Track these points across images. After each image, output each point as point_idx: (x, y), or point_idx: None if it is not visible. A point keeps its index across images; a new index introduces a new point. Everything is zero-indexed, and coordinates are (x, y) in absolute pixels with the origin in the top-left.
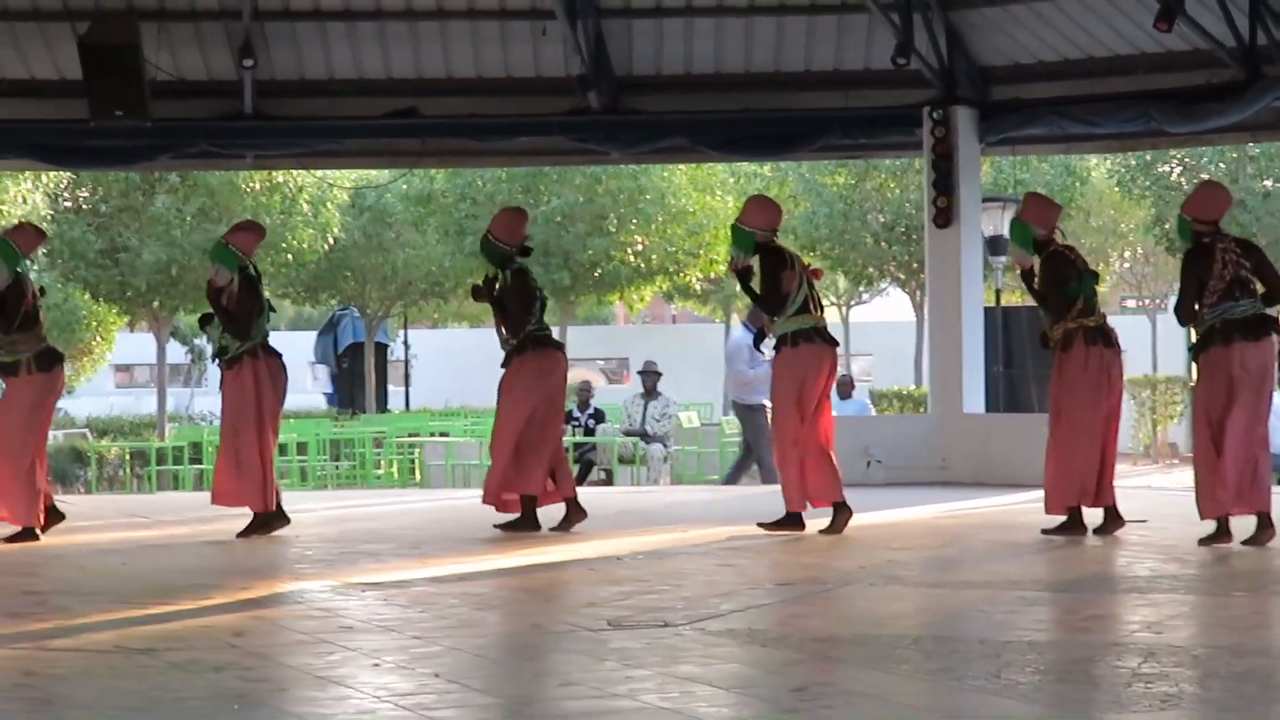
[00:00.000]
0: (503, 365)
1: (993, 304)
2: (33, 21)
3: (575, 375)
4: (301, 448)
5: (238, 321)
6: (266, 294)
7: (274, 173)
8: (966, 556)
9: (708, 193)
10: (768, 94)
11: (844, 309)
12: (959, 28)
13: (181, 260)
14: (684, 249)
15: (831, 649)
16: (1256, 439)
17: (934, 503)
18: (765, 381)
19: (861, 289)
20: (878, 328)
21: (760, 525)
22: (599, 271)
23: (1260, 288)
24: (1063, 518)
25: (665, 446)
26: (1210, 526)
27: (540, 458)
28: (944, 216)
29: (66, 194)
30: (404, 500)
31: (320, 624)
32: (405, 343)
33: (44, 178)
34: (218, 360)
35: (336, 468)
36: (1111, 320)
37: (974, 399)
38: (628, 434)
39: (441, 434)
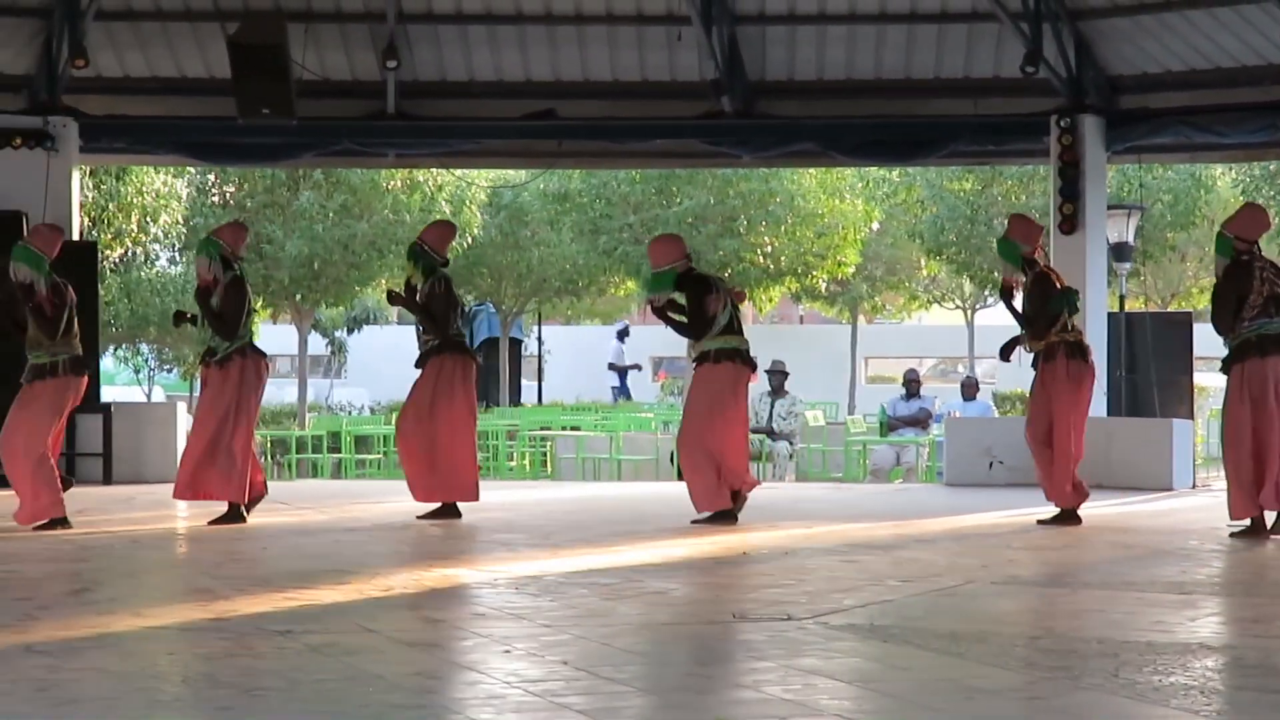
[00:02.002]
0: (418, 365)
1: (1116, 310)
2: (184, 21)
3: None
4: None
5: (226, 322)
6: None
7: (414, 171)
8: (1085, 557)
9: (836, 196)
10: (898, 100)
11: (969, 312)
12: (1087, 37)
13: (323, 255)
14: (812, 251)
15: (952, 645)
16: None
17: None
18: None
19: (986, 293)
20: (1002, 331)
21: (693, 521)
22: (729, 272)
23: None
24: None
25: (791, 444)
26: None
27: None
28: (1069, 223)
29: (214, 189)
30: (536, 491)
31: (453, 610)
32: (539, 338)
33: (193, 171)
34: (206, 360)
35: None
36: None
37: (1096, 403)
38: (754, 431)
39: (573, 428)
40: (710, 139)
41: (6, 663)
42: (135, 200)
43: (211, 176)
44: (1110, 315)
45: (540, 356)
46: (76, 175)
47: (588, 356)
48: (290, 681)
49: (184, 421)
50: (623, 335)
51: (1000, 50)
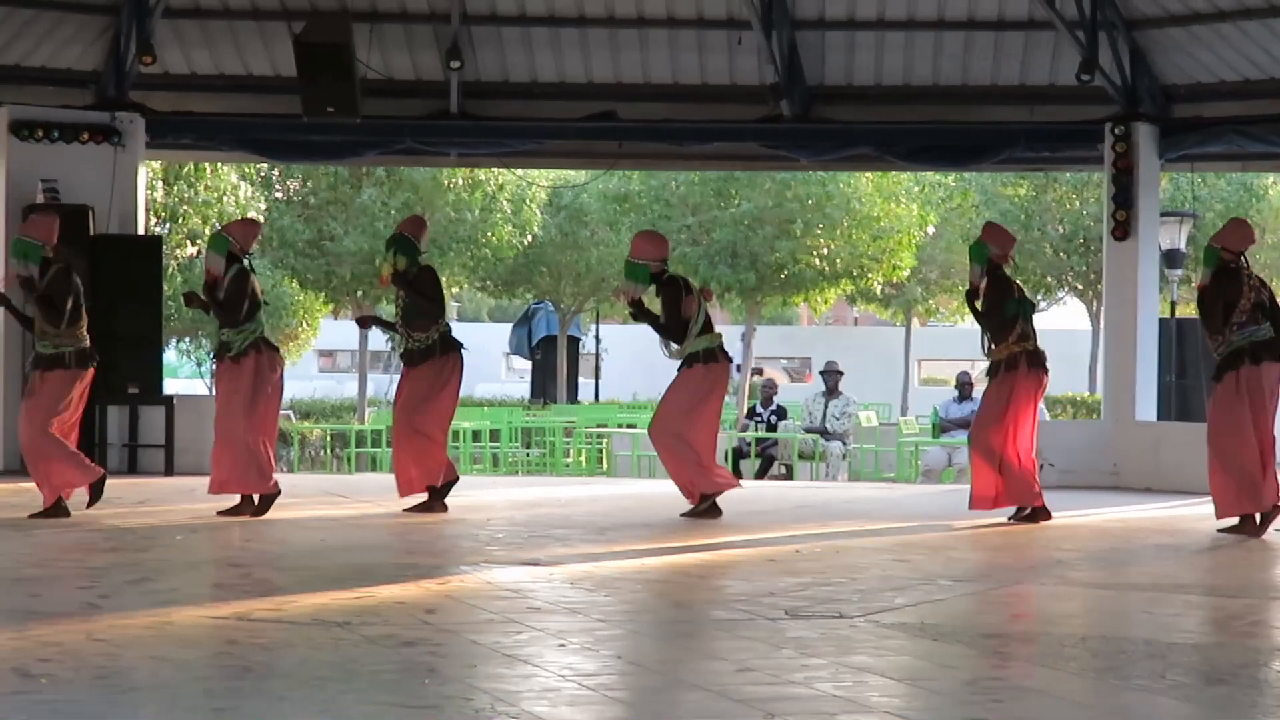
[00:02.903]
0: (415, 362)
1: (1167, 315)
2: (250, 20)
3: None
4: (494, 434)
5: (227, 310)
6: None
7: (476, 170)
8: (1134, 559)
9: (892, 200)
10: (954, 106)
11: None
12: (1142, 46)
13: (384, 251)
14: (868, 254)
15: (1001, 645)
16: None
17: (1104, 507)
18: None
19: (1040, 297)
20: (1054, 335)
21: (683, 514)
22: (785, 273)
23: None
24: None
25: (844, 444)
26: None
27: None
28: (1122, 230)
29: (278, 185)
30: (591, 488)
31: (509, 604)
32: (596, 337)
33: (258, 168)
34: (220, 355)
35: (527, 455)
36: None
37: (1146, 407)
38: (808, 431)
39: (629, 425)
40: (769, 142)
41: (69, 650)
42: (206, 202)
43: (276, 173)
44: (1161, 321)
45: (598, 355)
46: (143, 170)
47: (644, 355)
48: (347, 673)
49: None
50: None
51: (1056, 58)
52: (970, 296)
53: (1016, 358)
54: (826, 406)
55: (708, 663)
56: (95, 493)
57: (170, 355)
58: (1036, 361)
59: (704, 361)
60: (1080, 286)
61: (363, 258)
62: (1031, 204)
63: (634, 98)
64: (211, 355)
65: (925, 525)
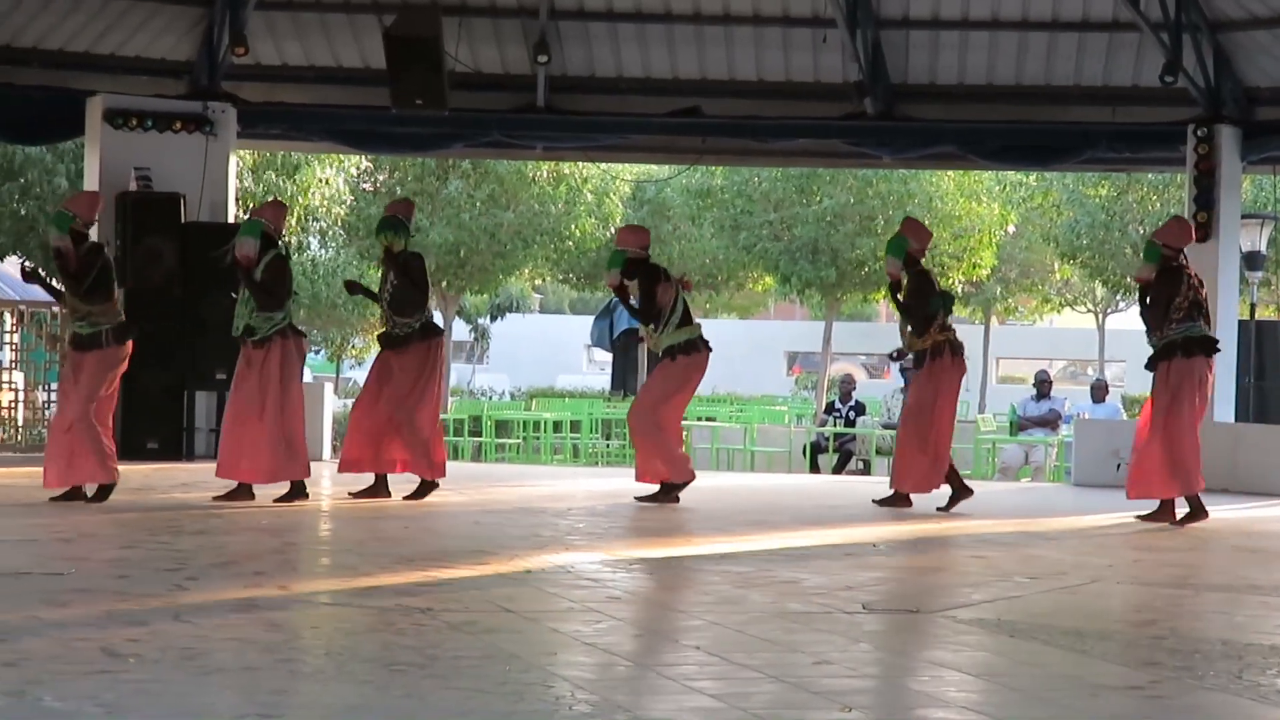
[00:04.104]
0: (395, 347)
1: (1247, 318)
2: (341, 13)
3: (838, 369)
4: (575, 425)
5: (272, 294)
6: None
7: (561, 164)
8: (1211, 560)
9: (974, 199)
10: (1037, 106)
11: (1100, 316)
12: (1226, 49)
13: (469, 243)
14: (948, 252)
15: (1077, 642)
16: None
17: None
18: None
19: (1118, 298)
20: (1132, 335)
21: (638, 498)
22: (865, 270)
23: None
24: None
25: None
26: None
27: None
28: (1203, 231)
29: (366, 176)
30: None
31: (589, 593)
32: None
33: (346, 160)
34: (245, 338)
35: (607, 446)
36: None
37: (1225, 408)
38: (886, 427)
39: (708, 418)
40: (852, 140)
41: (156, 631)
42: (300, 197)
43: (365, 165)
44: (1241, 323)
45: None
46: (234, 159)
47: (723, 349)
48: (429, 658)
49: (330, 401)
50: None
51: (1140, 59)
52: (893, 289)
53: (941, 346)
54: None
55: (785, 654)
56: (102, 494)
57: None
58: (958, 351)
59: (685, 353)
60: None
61: (447, 248)
62: (1113, 204)
63: (719, 94)
64: (239, 338)
65: (1002, 522)
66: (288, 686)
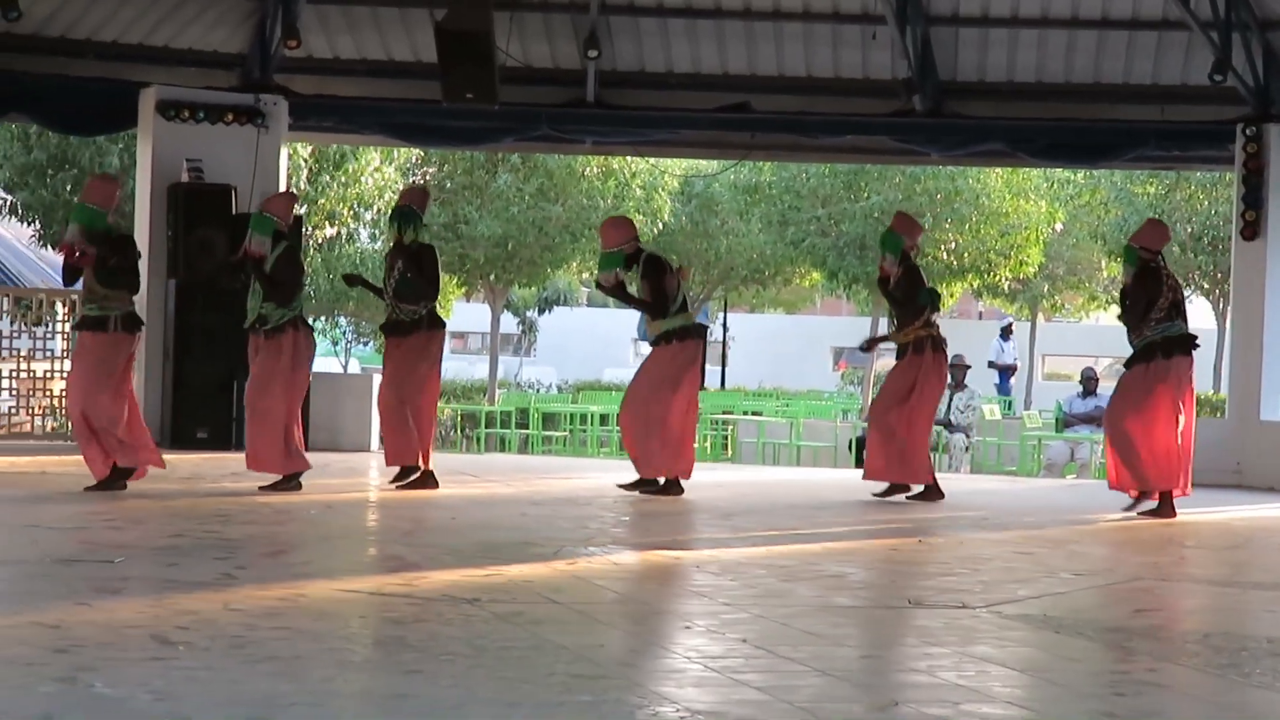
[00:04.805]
0: (398, 334)
1: None
2: (393, 7)
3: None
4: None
5: (285, 288)
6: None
7: (610, 158)
8: (1257, 558)
9: (1021, 196)
10: (1085, 104)
11: None
12: (1276, 47)
13: (517, 236)
14: (995, 249)
15: (1124, 639)
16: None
17: (1227, 505)
18: None
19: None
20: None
21: (621, 485)
22: None
23: None
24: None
25: (968, 437)
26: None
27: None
28: (1251, 230)
29: (416, 169)
30: (716, 473)
31: (635, 586)
32: (724, 325)
33: (396, 153)
34: (256, 328)
35: None
36: None
37: (1272, 406)
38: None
39: (754, 413)
40: (900, 136)
41: (206, 620)
42: (350, 190)
43: (414, 157)
44: None
45: (725, 342)
46: (285, 152)
47: (770, 344)
48: (476, 649)
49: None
50: (1005, 333)
51: (1189, 58)
52: (883, 284)
53: (923, 341)
54: (951, 399)
55: (832, 649)
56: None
57: None
58: (939, 347)
59: (678, 339)
60: (1207, 285)
61: (496, 241)
62: (1161, 203)
63: (768, 90)
64: (251, 327)
65: (1047, 519)
66: (336, 675)
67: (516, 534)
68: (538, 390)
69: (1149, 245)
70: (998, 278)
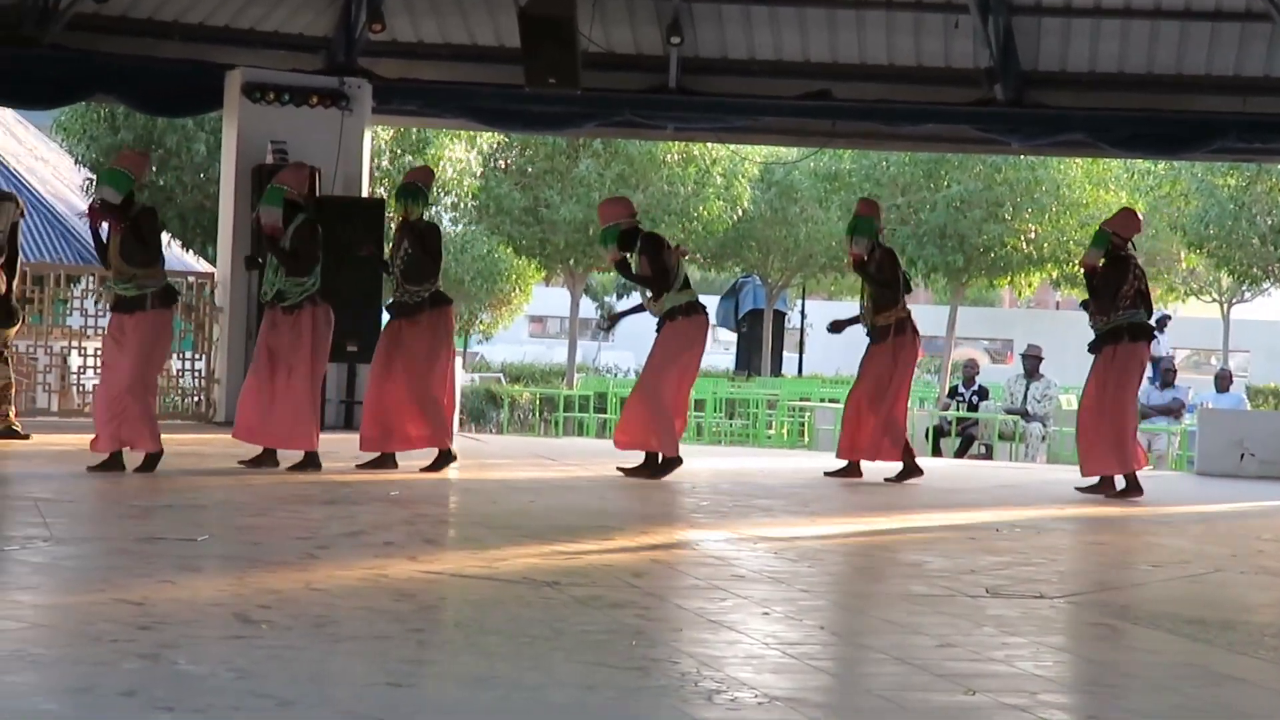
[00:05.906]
0: (405, 315)
1: None
2: None
3: (961, 354)
4: (699, 404)
5: (301, 259)
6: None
7: (690, 145)
8: None
9: (1101, 187)
10: (1167, 95)
11: (1225, 306)
12: None
13: (598, 222)
14: (1075, 239)
15: (1200, 631)
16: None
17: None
18: None
19: (1244, 287)
20: (1257, 326)
21: (620, 469)
22: (992, 256)
23: None
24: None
25: (1044, 426)
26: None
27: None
28: None
29: (498, 154)
30: (793, 460)
31: (714, 571)
32: (802, 312)
33: (479, 138)
34: (274, 303)
35: (731, 425)
36: None
37: None
38: (1009, 412)
39: (831, 400)
40: (981, 126)
41: (288, 599)
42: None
43: (496, 142)
44: None
45: (802, 330)
46: (368, 134)
47: (850, 333)
48: (555, 631)
49: (461, 377)
50: (1162, 324)
51: (1272, 50)
52: (863, 268)
53: (903, 323)
54: (1028, 388)
55: (908, 637)
56: (149, 463)
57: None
58: (915, 329)
59: (685, 314)
60: None
61: (576, 227)
62: (1241, 194)
63: (849, 78)
64: (266, 303)
65: (1124, 509)
66: (417, 656)
67: (596, 518)
68: (616, 375)
69: (1121, 231)
70: (1076, 268)
